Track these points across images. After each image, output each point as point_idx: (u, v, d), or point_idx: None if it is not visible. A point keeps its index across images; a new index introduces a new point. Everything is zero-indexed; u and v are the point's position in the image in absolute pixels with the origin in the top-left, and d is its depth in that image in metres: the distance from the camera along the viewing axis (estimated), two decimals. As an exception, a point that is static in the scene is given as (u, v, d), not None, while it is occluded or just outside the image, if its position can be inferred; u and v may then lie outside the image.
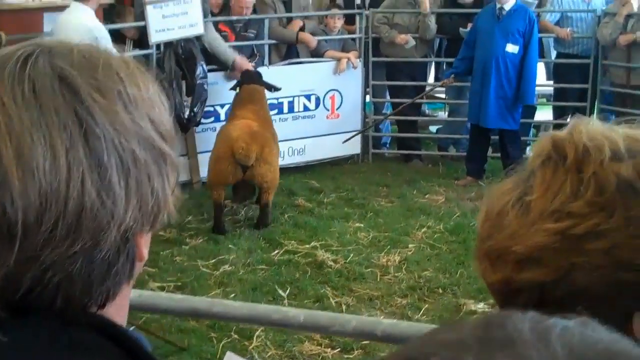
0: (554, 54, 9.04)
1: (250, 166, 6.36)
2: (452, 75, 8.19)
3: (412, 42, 8.49)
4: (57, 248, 0.79)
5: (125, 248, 0.85)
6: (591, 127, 0.97)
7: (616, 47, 8.04)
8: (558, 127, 8.57)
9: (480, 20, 7.91)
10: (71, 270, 0.81)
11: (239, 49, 7.98)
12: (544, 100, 9.63)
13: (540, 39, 8.65)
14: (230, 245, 6.32)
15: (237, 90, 7.24)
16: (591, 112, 8.56)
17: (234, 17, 7.95)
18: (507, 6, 7.67)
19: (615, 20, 7.96)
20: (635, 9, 7.98)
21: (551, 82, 9.16)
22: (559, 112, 9.01)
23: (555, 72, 8.96)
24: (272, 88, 7.39)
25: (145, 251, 0.89)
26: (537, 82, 9.17)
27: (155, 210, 0.86)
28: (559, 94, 8.91)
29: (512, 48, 7.67)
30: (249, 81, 7.22)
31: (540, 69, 9.22)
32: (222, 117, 7.96)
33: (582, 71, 8.40)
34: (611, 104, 8.55)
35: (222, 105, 7.93)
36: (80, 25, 6.07)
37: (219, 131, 6.97)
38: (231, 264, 5.99)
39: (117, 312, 0.89)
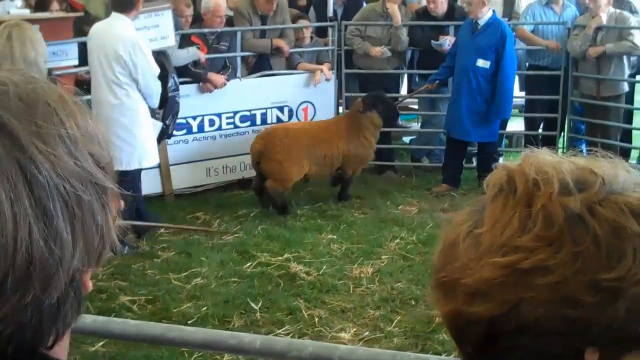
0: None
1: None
2: (436, 81, 8.23)
3: (388, 53, 8.53)
4: (7, 302, 0.78)
5: (72, 289, 0.85)
6: (541, 159, 0.96)
7: (586, 59, 8.13)
8: (530, 138, 8.67)
9: (460, 33, 8.04)
10: (22, 320, 0.80)
11: (211, 61, 7.98)
12: (517, 111, 9.70)
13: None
14: (202, 258, 6.29)
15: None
16: (562, 123, 8.65)
17: (206, 30, 7.95)
18: (482, 21, 7.73)
19: (585, 33, 8.05)
20: (605, 21, 8.06)
21: (523, 94, 9.23)
22: (531, 123, 9.09)
23: (527, 84, 9.05)
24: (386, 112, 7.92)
25: (89, 282, 0.89)
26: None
27: (100, 247, 0.86)
28: (530, 105, 9.00)
29: (482, 63, 7.71)
30: (367, 97, 7.88)
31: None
32: (195, 129, 7.93)
33: (553, 83, 8.47)
34: (581, 115, 8.65)
35: (194, 118, 7.91)
36: (123, 36, 6.18)
37: None
38: (203, 277, 5.96)
39: (62, 348, 0.89)
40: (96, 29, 6.40)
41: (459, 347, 1.00)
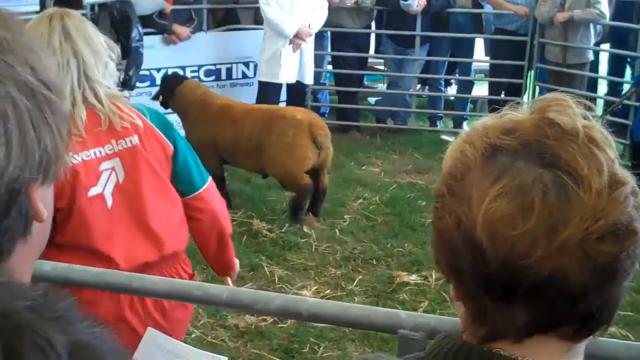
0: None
1: None
2: None
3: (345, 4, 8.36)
4: None
5: (15, 201, 0.78)
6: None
7: (553, 26, 8.11)
8: (494, 103, 8.64)
9: None
10: None
11: (176, 13, 7.81)
12: (482, 75, 9.70)
13: (480, 15, 8.71)
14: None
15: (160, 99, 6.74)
16: (526, 89, 8.65)
17: (173, -19, 7.78)
18: None
19: (553, -1, 8.03)
20: (573, -12, 8.04)
21: (488, 58, 9.19)
22: (495, 88, 9.02)
23: (492, 48, 8.97)
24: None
25: (42, 209, 0.82)
26: (475, 57, 9.24)
27: (44, 160, 0.79)
28: (495, 70, 8.92)
29: None
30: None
31: (479, 45, 9.28)
32: (158, 81, 7.78)
33: (519, 48, 8.44)
34: (547, 82, 8.64)
35: (158, 70, 7.75)
36: None
37: None
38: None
39: (19, 266, 0.82)
40: None
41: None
